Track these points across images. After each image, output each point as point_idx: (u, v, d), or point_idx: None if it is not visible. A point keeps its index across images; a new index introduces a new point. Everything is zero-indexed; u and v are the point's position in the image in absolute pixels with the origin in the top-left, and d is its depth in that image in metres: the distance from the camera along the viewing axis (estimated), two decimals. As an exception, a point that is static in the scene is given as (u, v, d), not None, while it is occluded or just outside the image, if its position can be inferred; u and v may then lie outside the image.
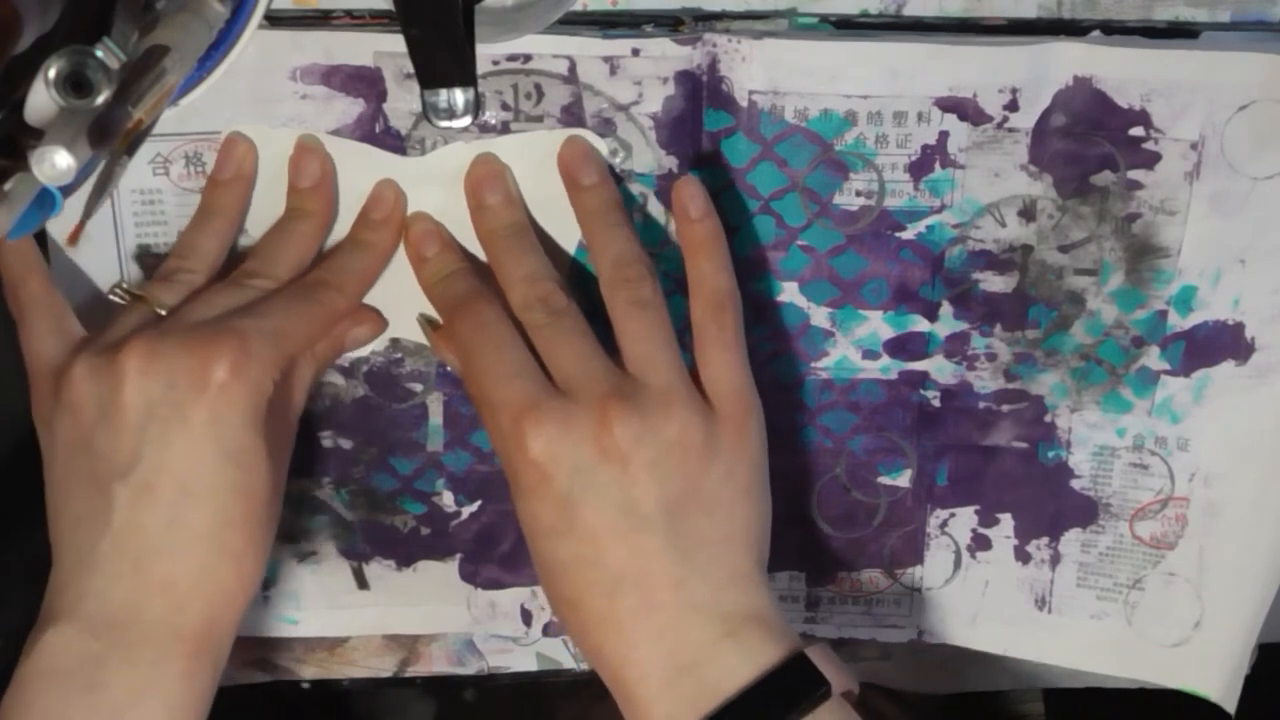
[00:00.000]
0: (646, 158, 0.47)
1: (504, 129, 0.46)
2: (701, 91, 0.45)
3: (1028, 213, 0.47)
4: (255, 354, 0.42)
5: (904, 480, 0.51)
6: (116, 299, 0.45)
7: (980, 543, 0.52)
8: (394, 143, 0.46)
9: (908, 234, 0.48)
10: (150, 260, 0.47)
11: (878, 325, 0.49)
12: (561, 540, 0.42)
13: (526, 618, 0.52)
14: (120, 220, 0.47)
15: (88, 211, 0.45)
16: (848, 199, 0.47)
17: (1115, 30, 0.46)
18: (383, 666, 0.54)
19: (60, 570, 0.42)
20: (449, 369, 0.49)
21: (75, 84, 0.29)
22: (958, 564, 0.52)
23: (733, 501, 0.43)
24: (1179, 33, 0.46)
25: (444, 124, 0.38)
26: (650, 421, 0.41)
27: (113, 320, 0.44)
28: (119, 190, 0.46)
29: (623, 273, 0.44)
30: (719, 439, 0.43)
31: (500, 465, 0.50)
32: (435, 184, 0.47)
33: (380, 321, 0.48)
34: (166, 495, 0.41)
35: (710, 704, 0.40)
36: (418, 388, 0.49)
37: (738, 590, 0.42)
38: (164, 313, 0.44)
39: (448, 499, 0.51)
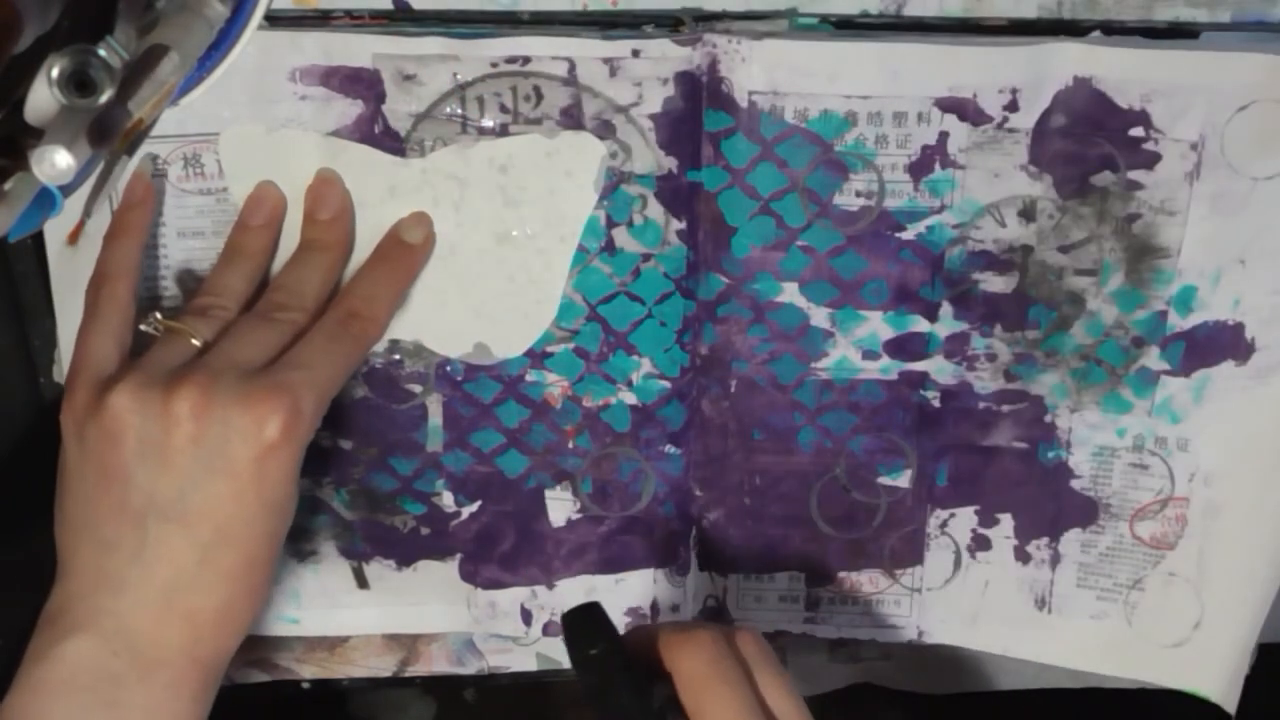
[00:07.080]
0: (646, 159, 0.47)
1: (502, 131, 0.46)
2: (701, 92, 0.45)
3: (1028, 213, 0.47)
4: (305, 412, 0.42)
5: (904, 480, 0.51)
6: (151, 331, 0.44)
7: (980, 543, 0.52)
8: (393, 144, 0.46)
9: (908, 234, 0.48)
10: (148, 258, 0.47)
11: (878, 326, 0.49)
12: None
13: (526, 617, 0.52)
14: (120, 220, 0.47)
15: (87, 211, 0.45)
16: (848, 199, 0.47)
17: (1115, 30, 0.46)
18: (383, 666, 0.54)
19: (76, 582, 0.42)
20: (449, 370, 0.49)
21: (78, 83, 0.29)
22: (958, 564, 0.52)
23: None
24: (1179, 33, 0.46)
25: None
26: None
27: (152, 350, 0.44)
28: (117, 192, 0.46)
29: None
30: None
31: (499, 466, 0.50)
32: (433, 185, 0.47)
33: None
34: (202, 536, 0.41)
35: None
36: (417, 388, 0.49)
37: None
38: (199, 343, 0.44)
39: (447, 499, 0.51)
